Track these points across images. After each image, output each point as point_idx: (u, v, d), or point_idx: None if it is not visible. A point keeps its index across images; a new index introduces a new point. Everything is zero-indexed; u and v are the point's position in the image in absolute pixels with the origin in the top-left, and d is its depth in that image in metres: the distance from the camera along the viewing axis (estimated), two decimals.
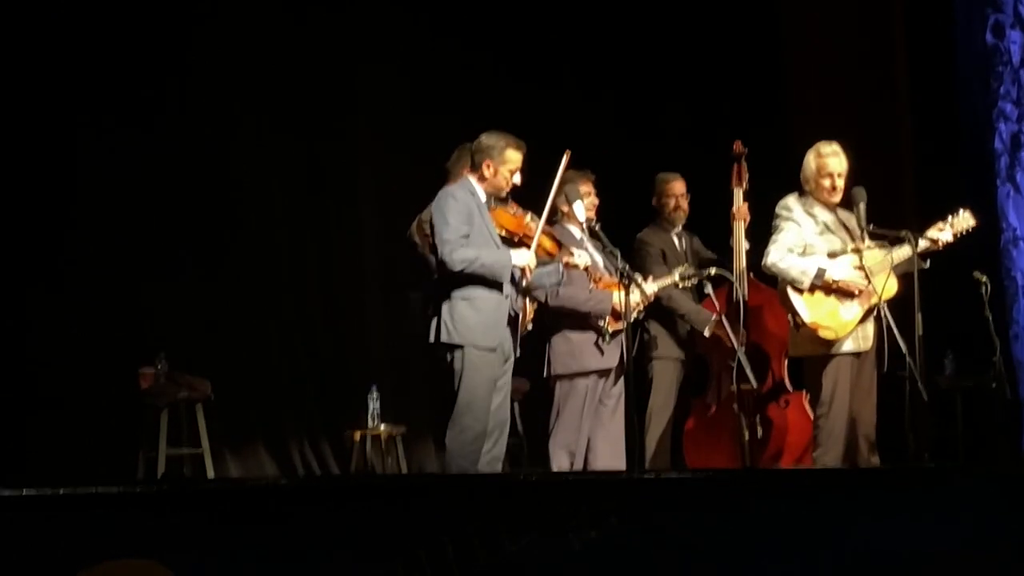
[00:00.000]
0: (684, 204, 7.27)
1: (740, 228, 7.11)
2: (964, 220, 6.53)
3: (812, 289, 6.44)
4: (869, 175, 6.76)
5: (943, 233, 6.48)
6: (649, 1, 8.89)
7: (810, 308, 6.46)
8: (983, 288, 6.57)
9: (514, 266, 6.01)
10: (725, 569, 4.08)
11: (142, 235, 8.14)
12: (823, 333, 6.43)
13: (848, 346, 6.43)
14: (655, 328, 7.10)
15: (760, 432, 6.99)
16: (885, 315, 6.31)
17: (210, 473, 7.84)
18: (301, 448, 8.56)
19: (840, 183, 6.53)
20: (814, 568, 4.06)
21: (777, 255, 6.50)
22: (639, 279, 6.48)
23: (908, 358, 6.27)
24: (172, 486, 5.56)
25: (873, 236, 6.50)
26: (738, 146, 7.20)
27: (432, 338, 6.07)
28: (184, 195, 8.30)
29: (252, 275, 8.54)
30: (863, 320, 6.43)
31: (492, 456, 6.09)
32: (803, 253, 6.48)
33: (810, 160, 6.60)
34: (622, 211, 7.12)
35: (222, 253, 8.44)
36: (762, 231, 6.88)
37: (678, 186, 7.28)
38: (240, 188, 8.59)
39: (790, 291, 6.50)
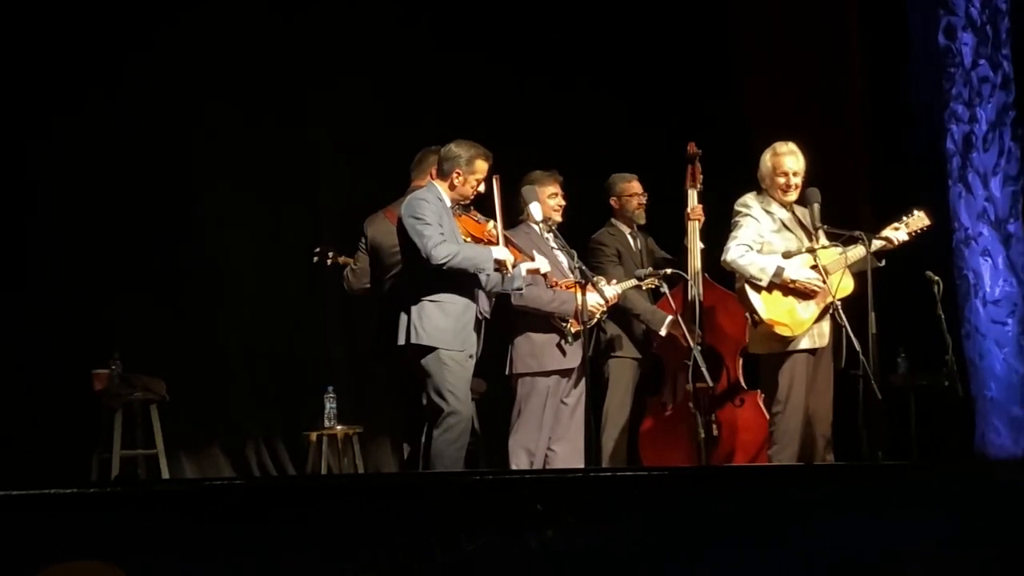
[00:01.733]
0: (641, 204, 7.30)
1: (695, 228, 7.14)
2: (919, 220, 6.60)
3: (770, 287, 6.48)
4: (824, 175, 6.80)
5: (898, 232, 6.53)
6: (605, 3, 8.91)
7: (768, 306, 6.50)
8: (935, 287, 6.61)
9: (496, 259, 6.06)
10: (682, 567, 4.10)
11: (96, 235, 8.09)
12: (780, 331, 6.46)
13: (804, 343, 6.48)
14: (611, 328, 7.12)
15: (716, 431, 7.02)
16: (839, 315, 6.35)
17: (165, 474, 7.80)
18: (257, 449, 8.53)
19: (796, 181, 6.58)
20: (770, 564, 4.08)
21: (737, 252, 6.54)
22: (597, 281, 6.52)
23: (862, 357, 6.31)
24: (126, 487, 5.53)
25: (827, 236, 6.55)
26: (692, 147, 7.24)
27: (402, 340, 6.11)
28: (138, 195, 8.26)
29: (207, 275, 8.50)
30: (819, 318, 6.47)
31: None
32: (760, 250, 6.52)
33: (767, 159, 6.65)
34: (577, 212, 7.14)
35: (177, 253, 8.39)
36: (716, 231, 6.92)
37: (634, 186, 7.31)
38: (195, 188, 8.56)
39: (748, 288, 6.53)
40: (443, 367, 6.06)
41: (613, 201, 7.35)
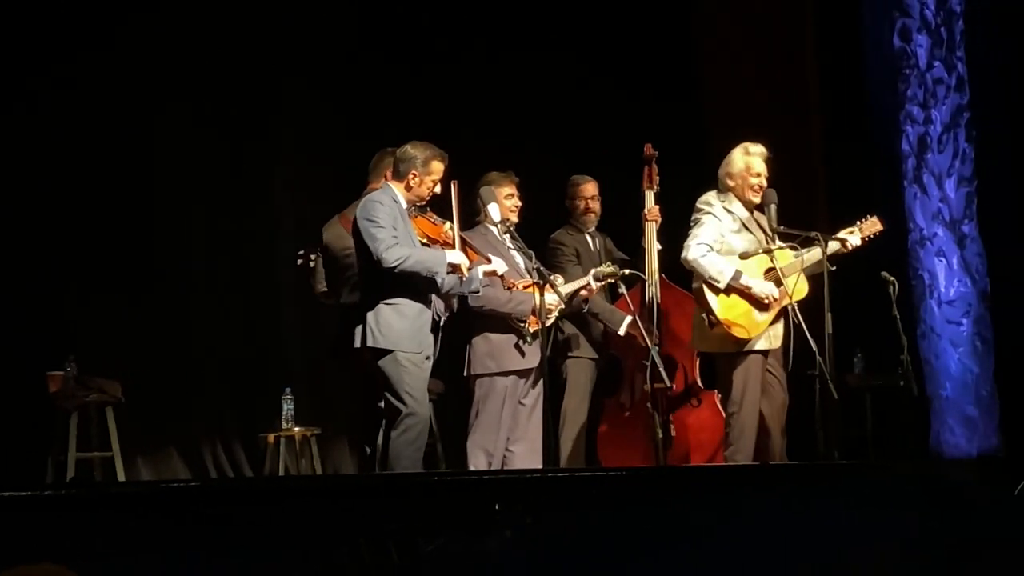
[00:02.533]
0: (596, 206, 7.32)
1: (652, 229, 7.18)
2: (872, 225, 6.65)
3: (728, 290, 6.51)
4: (780, 177, 6.84)
5: (852, 236, 6.58)
6: (563, 4, 8.92)
7: (724, 307, 6.52)
8: (891, 288, 6.65)
9: (449, 263, 6.06)
10: (640, 566, 4.11)
11: (52, 235, 8.03)
12: (736, 332, 6.49)
13: (760, 344, 6.51)
14: (569, 328, 7.13)
15: (672, 431, 7.05)
16: (795, 316, 6.39)
17: (121, 476, 7.75)
18: (214, 450, 8.49)
19: (763, 183, 6.62)
20: (726, 563, 4.10)
21: (697, 251, 6.55)
22: (554, 280, 6.53)
23: (818, 357, 6.36)
24: (82, 489, 5.49)
25: (783, 237, 6.59)
26: (648, 149, 7.28)
27: (358, 342, 6.11)
28: (95, 196, 8.20)
29: (164, 276, 8.46)
30: (775, 320, 6.51)
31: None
32: (720, 250, 6.54)
33: (737, 158, 6.66)
34: (535, 213, 7.15)
35: (133, 254, 8.34)
36: (673, 232, 6.94)
37: (590, 188, 7.33)
38: (152, 188, 8.51)
39: (706, 289, 6.55)
40: (400, 369, 6.06)
41: (567, 202, 7.37)
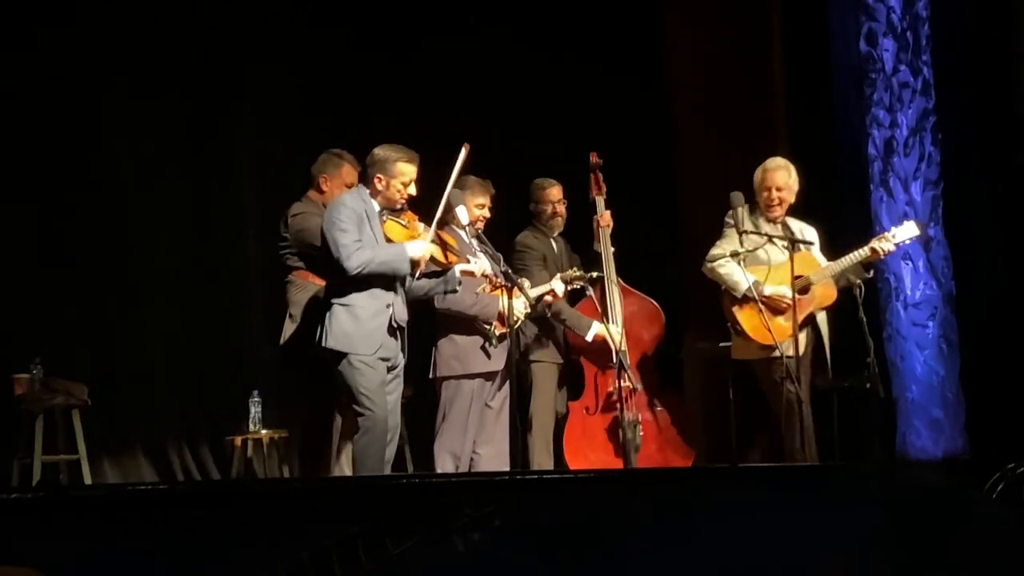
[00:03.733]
0: (562, 209, 7.36)
1: (606, 234, 7.28)
2: (908, 229, 6.75)
3: (745, 299, 6.60)
4: (747, 179, 6.87)
5: (884, 243, 6.67)
6: (528, 7, 8.93)
7: (745, 316, 6.64)
8: (857, 291, 6.69)
9: (411, 258, 6.03)
10: (609, 567, 4.12)
11: (15, 237, 7.98)
12: (759, 338, 6.57)
13: (787, 350, 6.60)
14: (534, 331, 7.14)
15: (641, 432, 7.08)
16: (820, 322, 6.59)
17: (87, 479, 7.72)
18: (181, 453, 8.46)
19: (777, 195, 6.76)
20: (695, 565, 4.11)
21: (716, 261, 6.66)
22: (523, 284, 6.53)
23: (786, 360, 6.41)
24: (48, 493, 5.46)
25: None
26: (594, 157, 7.37)
27: (316, 340, 6.11)
28: (60, 197, 8.17)
29: (130, 278, 8.43)
30: (802, 327, 6.60)
31: (384, 460, 6.14)
32: (744, 259, 6.64)
33: (756, 173, 6.82)
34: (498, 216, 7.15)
35: (99, 255, 8.31)
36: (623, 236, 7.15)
37: (555, 192, 7.35)
38: (118, 190, 8.48)
39: (727, 298, 6.67)
40: (354, 371, 6.05)
41: (532, 206, 7.38)
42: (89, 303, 8.21)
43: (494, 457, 6.70)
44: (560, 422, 7.27)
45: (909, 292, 7.78)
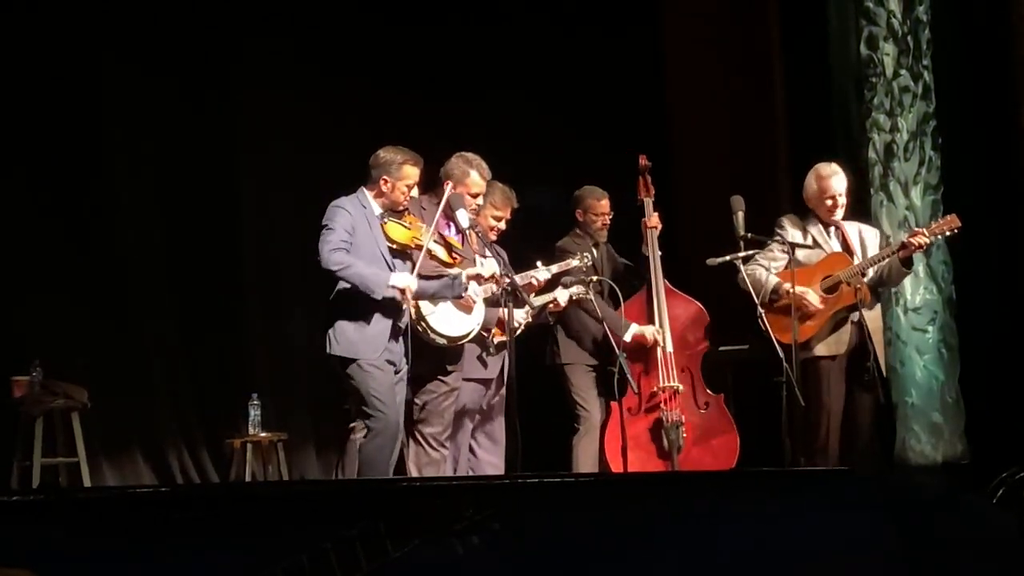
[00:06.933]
0: (605, 225, 7.35)
1: (653, 236, 7.25)
2: (950, 222, 6.79)
3: (769, 303, 6.70)
4: (747, 184, 6.88)
5: (918, 238, 6.72)
6: (529, 11, 8.93)
7: (771, 318, 6.66)
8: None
9: (391, 286, 6.03)
10: (608, 570, 4.11)
11: (14, 240, 7.98)
12: (785, 339, 6.60)
13: (821, 350, 6.70)
14: (561, 335, 7.16)
15: (684, 434, 7.08)
16: (864, 322, 6.68)
17: (86, 482, 7.72)
18: (180, 456, 8.45)
19: (841, 200, 6.86)
20: (695, 568, 4.11)
21: (745, 269, 6.73)
22: (521, 292, 6.51)
23: (785, 364, 6.42)
24: (47, 495, 5.46)
25: (752, 244, 6.67)
26: (643, 160, 7.37)
27: (327, 348, 6.17)
28: (59, 199, 8.16)
29: (130, 280, 8.42)
30: (837, 327, 6.69)
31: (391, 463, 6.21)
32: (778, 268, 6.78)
33: (810, 181, 6.90)
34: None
35: (98, 258, 8.30)
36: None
37: (605, 205, 7.36)
38: (117, 193, 8.47)
39: (758, 302, 6.70)
40: (364, 375, 6.09)
41: (579, 214, 7.37)
42: (89, 306, 8.20)
43: (491, 447, 6.81)
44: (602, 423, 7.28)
45: (909, 297, 7.78)
